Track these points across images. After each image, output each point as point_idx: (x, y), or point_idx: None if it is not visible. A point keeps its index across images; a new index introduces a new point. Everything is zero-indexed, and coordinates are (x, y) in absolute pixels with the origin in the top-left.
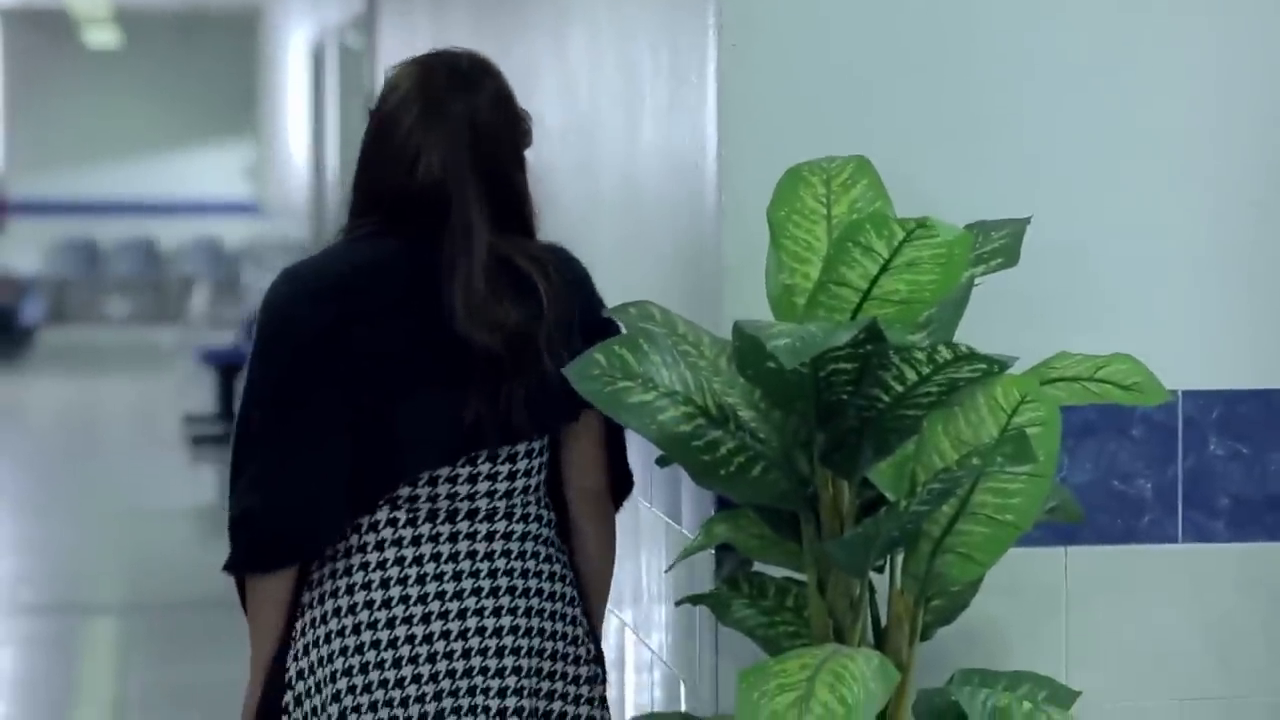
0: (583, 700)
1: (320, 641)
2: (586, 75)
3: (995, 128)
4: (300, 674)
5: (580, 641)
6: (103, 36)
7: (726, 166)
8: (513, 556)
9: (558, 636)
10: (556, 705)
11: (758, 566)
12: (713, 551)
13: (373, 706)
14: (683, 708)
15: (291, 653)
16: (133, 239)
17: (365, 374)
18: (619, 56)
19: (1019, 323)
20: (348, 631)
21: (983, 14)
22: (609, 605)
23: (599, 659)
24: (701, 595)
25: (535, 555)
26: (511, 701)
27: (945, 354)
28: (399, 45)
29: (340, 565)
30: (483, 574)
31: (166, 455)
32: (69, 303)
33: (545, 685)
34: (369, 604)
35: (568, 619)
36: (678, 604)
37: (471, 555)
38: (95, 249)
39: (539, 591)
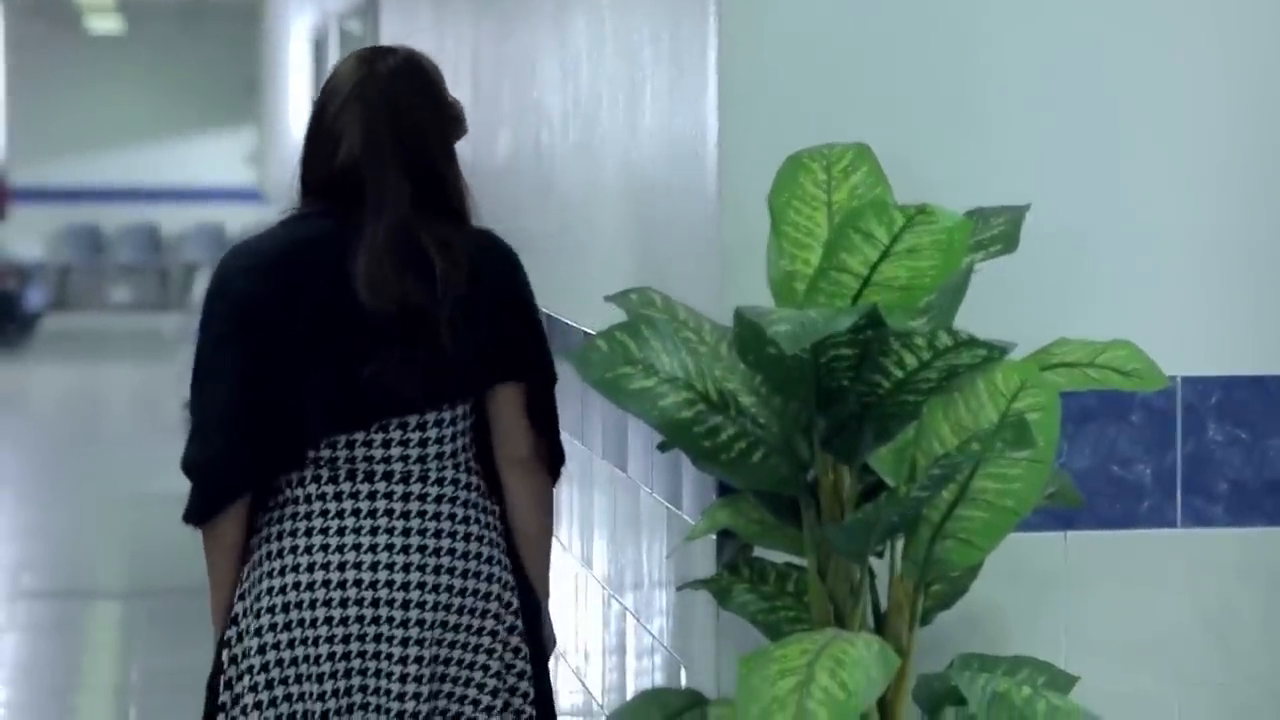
0: (482, 650)
1: (257, 581)
2: (587, 61)
3: (994, 115)
4: (243, 612)
5: (494, 597)
6: (105, 23)
7: (727, 153)
8: (426, 517)
9: (467, 593)
10: (456, 653)
11: (758, 552)
12: (714, 537)
13: (290, 644)
14: None
15: (238, 592)
16: (135, 225)
17: (285, 343)
18: (620, 43)
19: (1018, 309)
20: (275, 573)
21: (982, 1)
22: (611, 591)
23: (533, 614)
24: (703, 580)
25: (451, 517)
26: (413, 651)
27: (945, 340)
28: (400, 31)
29: (276, 514)
30: (396, 531)
31: (169, 441)
32: (72, 289)
33: (449, 636)
34: (294, 549)
35: (481, 576)
36: (679, 589)
37: (388, 514)
38: (98, 235)
39: (450, 550)
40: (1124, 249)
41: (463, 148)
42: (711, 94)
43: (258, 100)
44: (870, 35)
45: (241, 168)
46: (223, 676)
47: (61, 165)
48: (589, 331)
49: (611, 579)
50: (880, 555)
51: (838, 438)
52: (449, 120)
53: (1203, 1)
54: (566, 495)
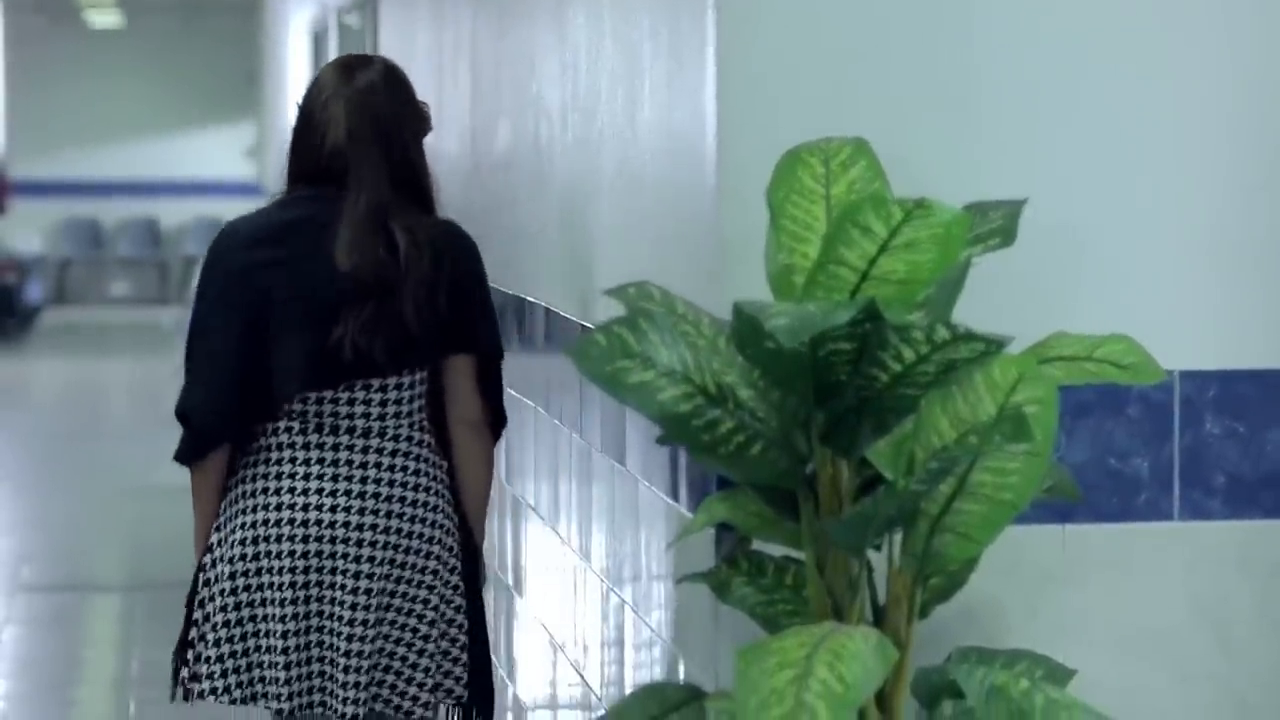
0: (424, 586)
1: (231, 518)
2: (586, 55)
3: (992, 109)
4: (218, 541)
5: (436, 540)
6: (105, 18)
7: (725, 147)
8: (382, 468)
9: (414, 535)
10: (401, 588)
11: (757, 545)
12: (712, 530)
13: (257, 572)
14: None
15: (215, 525)
16: (135, 219)
17: (271, 307)
18: (619, 37)
19: (1016, 303)
20: (247, 510)
21: None
22: (609, 584)
23: (471, 555)
24: (701, 574)
25: (404, 469)
26: (364, 583)
27: (943, 333)
28: (399, 25)
29: (251, 459)
30: (355, 479)
31: (168, 435)
32: (71, 283)
33: (396, 572)
34: (264, 491)
35: (427, 522)
36: (677, 583)
37: (349, 463)
38: (98, 229)
39: (400, 498)
40: (1122, 243)
41: (453, 142)
42: (710, 88)
43: (257, 94)
44: (869, 30)
45: (241, 161)
46: (197, 597)
47: (61, 159)
48: (587, 325)
49: (610, 572)
50: (878, 549)
51: (836, 431)
52: (418, 117)
53: None
54: (565, 489)
